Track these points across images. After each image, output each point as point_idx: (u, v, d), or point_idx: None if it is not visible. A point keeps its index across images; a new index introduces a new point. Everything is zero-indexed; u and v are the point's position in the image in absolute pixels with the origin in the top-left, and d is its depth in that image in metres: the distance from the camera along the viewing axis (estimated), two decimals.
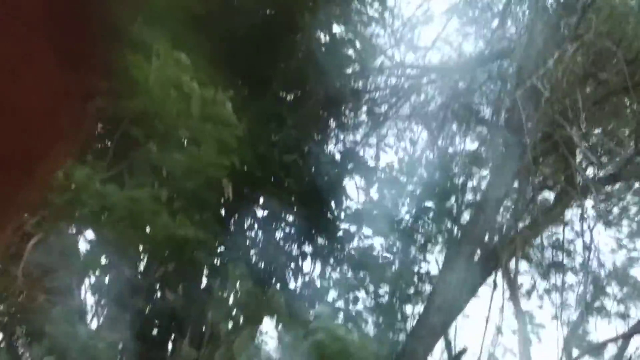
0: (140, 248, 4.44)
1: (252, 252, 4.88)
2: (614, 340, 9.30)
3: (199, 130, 3.73)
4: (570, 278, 9.67)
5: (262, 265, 4.90)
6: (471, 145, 8.49)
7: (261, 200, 5.12)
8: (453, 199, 7.59)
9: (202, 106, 3.61)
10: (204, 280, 4.79)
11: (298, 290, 5.14)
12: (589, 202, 7.95)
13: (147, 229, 3.91)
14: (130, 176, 3.93)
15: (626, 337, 9.30)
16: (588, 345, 9.41)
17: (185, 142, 4.06)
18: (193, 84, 3.55)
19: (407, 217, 7.52)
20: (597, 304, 9.84)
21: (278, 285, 4.77)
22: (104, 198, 3.52)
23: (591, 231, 8.07)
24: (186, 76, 3.52)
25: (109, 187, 3.58)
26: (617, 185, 7.95)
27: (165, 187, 3.88)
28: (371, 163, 7.09)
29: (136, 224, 3.72)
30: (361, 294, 5.95)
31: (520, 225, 7.32)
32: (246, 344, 4.13)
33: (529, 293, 9.88)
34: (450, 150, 8.21)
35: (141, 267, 4.59)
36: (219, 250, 4.73)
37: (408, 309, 7.10)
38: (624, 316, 9.29)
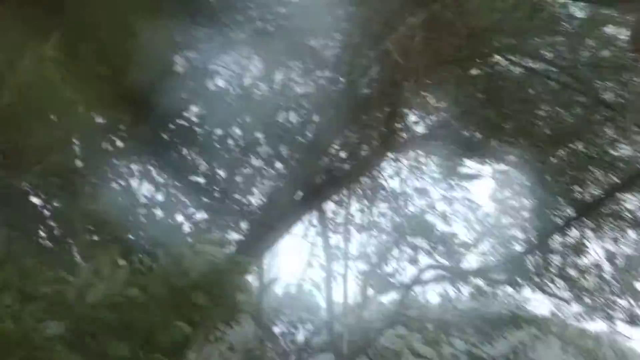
0: None
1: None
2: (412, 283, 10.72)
3: None
4: (379, 221, 10.86)
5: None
6: (308, 87, 8.87)
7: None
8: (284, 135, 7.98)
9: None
10: None
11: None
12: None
13: None
14: None
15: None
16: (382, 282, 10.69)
17: None
18: None
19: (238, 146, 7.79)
20: (395, 251, 11.18)
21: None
22: None
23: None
24: None
25: None
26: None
27: None
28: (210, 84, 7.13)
29: None
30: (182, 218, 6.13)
31: (343, 168, 8.00)
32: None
33: (336, 231, 10.84)
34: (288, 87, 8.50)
35: None
36: None
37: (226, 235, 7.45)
38: (414, 261, 10.69)
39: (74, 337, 3.88)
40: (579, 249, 8.55)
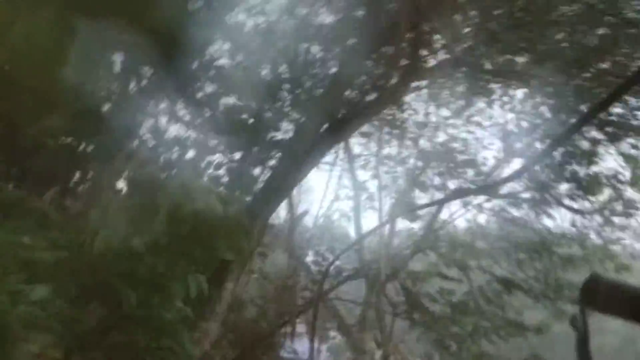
0: None
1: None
2: (430, 205, 10.89)
3: None
4: (406, 150, 11.00)
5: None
6: (331, 18, 8.82)
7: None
8: (309, 70, 8.05)
9: None
10: None
11: (157, 150, 5.38)
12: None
13: None
14: None
15: (440, 203, 10.96)
16: (408, 209, 10.90)
17: None
18: None
19: (264, 83, 7.91)
20: (422, 177, 11.33)
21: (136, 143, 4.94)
22: None
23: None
24: None
25: None
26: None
27: None
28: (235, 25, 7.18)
29: None
30: (216, 157, 6.35)
31: (368, 99, 8.06)
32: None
33: (364, 166, 11.05)
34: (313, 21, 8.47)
35: None
36: None
37: (256, 172, 7.70)
38: (442, 187, 10.84)
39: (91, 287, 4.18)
40: (590, 160, 8.60)
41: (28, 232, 3.64)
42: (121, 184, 4.73)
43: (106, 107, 4.67)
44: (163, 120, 6.06)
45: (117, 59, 5.18)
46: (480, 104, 9.84)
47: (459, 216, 11.51)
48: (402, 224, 11.88)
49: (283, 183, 7.21)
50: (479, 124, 10.27)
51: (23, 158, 4.32)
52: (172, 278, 4.56)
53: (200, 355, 6.15)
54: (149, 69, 5.53)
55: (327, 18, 8.61)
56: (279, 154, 7.54)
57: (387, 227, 11.35)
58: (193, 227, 4.55)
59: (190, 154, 5.86)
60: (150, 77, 5.57)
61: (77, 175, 4.86)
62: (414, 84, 8.49)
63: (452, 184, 10.71)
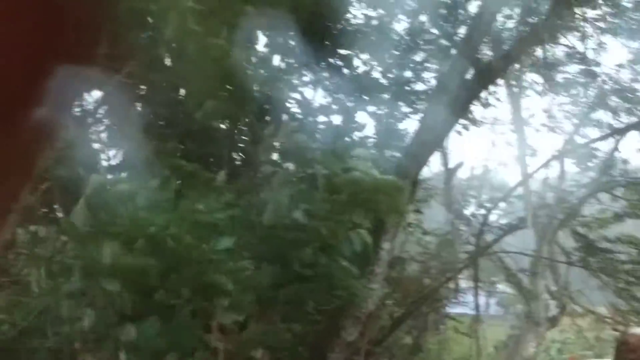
0: None
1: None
2: (604, 137, 10.35)
3: None
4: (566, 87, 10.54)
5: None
6: None
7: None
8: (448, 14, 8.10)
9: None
10: None
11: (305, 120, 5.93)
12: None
13: None
14: None
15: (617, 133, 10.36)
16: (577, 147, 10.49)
17: None
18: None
19: (403, 35, 8.14)
20: (593, 115, 10.81)
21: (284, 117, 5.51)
22: None
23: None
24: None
25: None
26: None
27: None
28: None
29: None
30: (360, 117, 6.79)
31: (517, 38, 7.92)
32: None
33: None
34: None
35: None
36: None
37: (402, 126, 8.01)
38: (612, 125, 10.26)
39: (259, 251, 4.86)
40: None
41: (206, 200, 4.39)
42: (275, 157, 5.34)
43: (256, 87, 5.25)
44: (308, 90, 6.59)
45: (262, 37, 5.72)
46: None
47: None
48: (570, 166, 11.51)
49: (431, 136, 7.44)
50: None
51: (193, 140, 5.09)
52: (336, 238, 5.13)
53: (366, 315, 6.74)
54: (292, 42, 6.02)
55: None
56: (424, 107, 7.76)
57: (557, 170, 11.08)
58: (352, 194, 5.04)
59: (337, 120, 6.32)
60: (293, 49, 6.06)
61: (239, 155, 5.56)
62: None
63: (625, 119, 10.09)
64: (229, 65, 4.39)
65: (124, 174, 4.51)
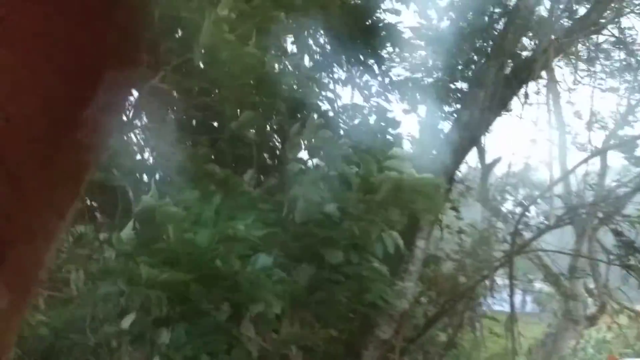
0: None
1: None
2: None
3: None
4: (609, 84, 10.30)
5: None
6: None
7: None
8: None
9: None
10: None
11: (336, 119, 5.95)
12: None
13: None
14: None
15: None
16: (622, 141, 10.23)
17: None
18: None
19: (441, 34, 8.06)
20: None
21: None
22: None
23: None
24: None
25: None
26: None
27: None
28: None
29: None
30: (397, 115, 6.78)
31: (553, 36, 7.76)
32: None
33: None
34: None
35: None
36: None
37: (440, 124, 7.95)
38: None
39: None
40: None
41: (238, 208, 4.46)
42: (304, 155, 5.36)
43: (287, 90, 5.28)
44: (340, 89, 6.60)
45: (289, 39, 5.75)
46: None
47: None
48: (615, 160, 11.25)
49: (468, 133, 7.38)
50: None
51: (224, 144, 5.15)
52: (369, 239, 5.15)
53: (400, 313, 6.75)
54: (322, 41, 6.04)
55: None
56: (460, 104, 7.70)
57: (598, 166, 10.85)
58: (389, 193, 5.04)
59: (372, 119, 6.31)
60: (324, 48, 6.09)
61: (267, 154, 5.61)
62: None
63: None
64: (263, 74, 4.44)
65: (167, 190, 4.58)
